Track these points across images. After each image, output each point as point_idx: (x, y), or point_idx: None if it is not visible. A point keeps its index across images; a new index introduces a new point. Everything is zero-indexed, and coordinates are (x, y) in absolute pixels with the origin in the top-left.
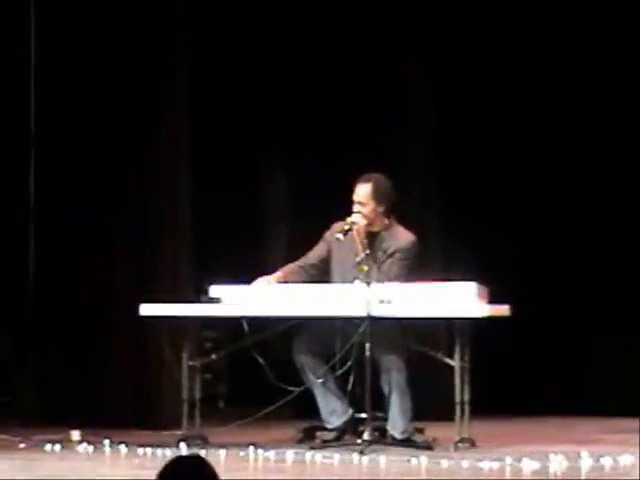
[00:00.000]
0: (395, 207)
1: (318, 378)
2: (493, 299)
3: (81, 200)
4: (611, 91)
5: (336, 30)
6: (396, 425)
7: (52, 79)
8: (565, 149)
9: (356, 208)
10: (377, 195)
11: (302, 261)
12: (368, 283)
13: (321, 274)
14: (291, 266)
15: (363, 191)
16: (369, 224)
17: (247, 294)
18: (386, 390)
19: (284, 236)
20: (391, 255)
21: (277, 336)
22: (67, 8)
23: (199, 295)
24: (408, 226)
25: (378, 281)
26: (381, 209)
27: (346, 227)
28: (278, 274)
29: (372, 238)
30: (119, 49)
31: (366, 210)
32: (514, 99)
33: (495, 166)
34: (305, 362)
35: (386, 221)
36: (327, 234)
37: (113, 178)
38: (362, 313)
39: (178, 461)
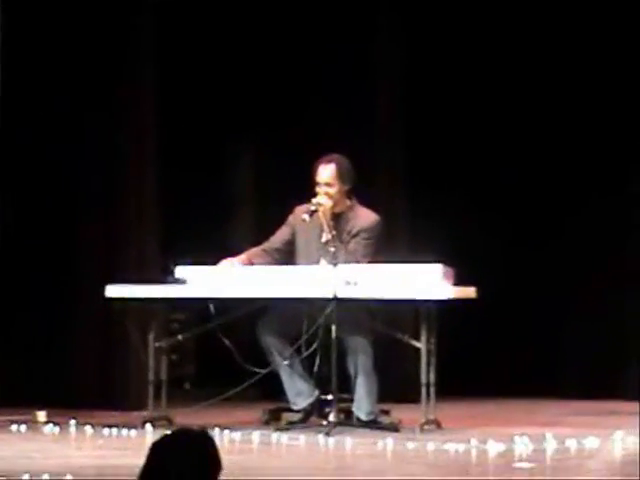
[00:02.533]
0: (355, 187)
1: (284, 359)
2: (459, 281)
3: (47, 181)
4: (581, 82)
5: (301, 9)
6: (362, 407)
7: (16, 75)
8: (536, 133)
9: (322, 190)
10: (341, 175)
11: (265, 245)
12: (335, 264)
13: (285, 258)
14: (255, 250)
15: (329, 172)
16: (334, 205)
17: (213, 275)
18: (352, 372)
19: (249, 218)
20: (355, 235)
21: (243, 318)
22: None
23: (165, 276)
24: (376, 206)
25: (344, 262)
26: (346, 188)
27: (312, 208)
28: (242, 257)
29: (336, 219)
30: (83, 39)
31: (333, 190)
32: (485, 73)
33: (464, 146)
34: (271, 343)
35: (348, 202)
36: (290, 217)
37: (79, 161)
38: (328, 295)
39: (182, 433)
